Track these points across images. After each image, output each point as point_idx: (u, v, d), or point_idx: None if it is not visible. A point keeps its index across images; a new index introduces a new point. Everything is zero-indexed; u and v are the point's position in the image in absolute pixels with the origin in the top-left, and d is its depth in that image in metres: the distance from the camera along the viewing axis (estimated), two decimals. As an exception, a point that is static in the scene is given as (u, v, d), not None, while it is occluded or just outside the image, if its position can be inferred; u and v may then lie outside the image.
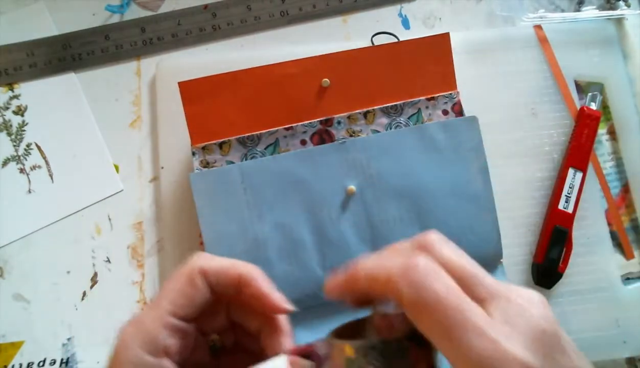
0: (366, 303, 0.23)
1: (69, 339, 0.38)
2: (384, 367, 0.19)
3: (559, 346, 0.18)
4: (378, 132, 0.38)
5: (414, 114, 0.38)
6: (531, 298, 0.19)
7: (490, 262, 0.38)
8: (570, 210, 0.40)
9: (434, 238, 0.22)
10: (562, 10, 0.47)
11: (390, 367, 0.19)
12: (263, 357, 0.23)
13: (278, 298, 0.24)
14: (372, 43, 0.43)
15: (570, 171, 0.40)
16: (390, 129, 0.38)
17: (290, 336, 0.25)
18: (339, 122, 0.37)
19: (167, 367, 0.23)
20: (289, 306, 0.24)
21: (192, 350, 0.24)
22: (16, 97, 0.43)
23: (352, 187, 0.36)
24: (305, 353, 0.24)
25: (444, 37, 0.38)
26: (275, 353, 0.24)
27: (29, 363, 0.38)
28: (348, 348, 0.20)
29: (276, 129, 0.37)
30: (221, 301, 0.25)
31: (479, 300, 0.19)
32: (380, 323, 0.20)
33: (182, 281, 0.23)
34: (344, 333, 0.23)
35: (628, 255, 0.42)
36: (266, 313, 0.25)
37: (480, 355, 0.17)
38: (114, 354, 0.23)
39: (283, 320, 0.25)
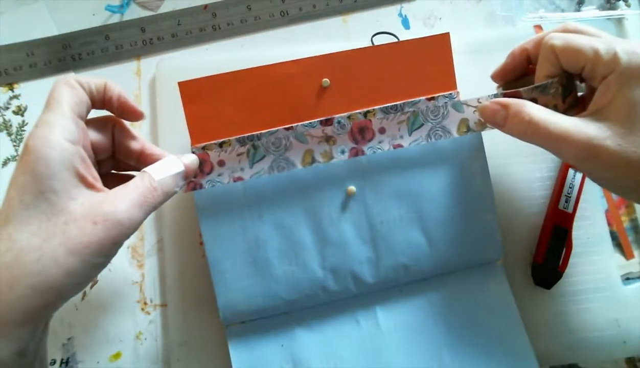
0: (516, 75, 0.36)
1: (69, 339, 0.38)
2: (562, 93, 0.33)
3: None
4: (378, 132, 0.38)
5: (428, 107, 0.38)
6: None
7: (490, 261, 0.38)
8: (570, 210, 0.40)
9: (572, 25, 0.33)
10: (562, 10, 0.47)
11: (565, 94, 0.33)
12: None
13: (134, 103, 0.31)
14: (372, 43, 0.43)
15: (570, 171, 0.40)
16: (390, 129, 0.38)
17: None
18: (339, 122, 0.37)
19: (82, 153, 0.26)
20: (142, 110, 0.32)
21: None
22: (16, 97, 0.43)
23: (352, 188, 0.36)
24: (202, 158, 0.33)
25: (444, 37, 0.38)
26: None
27: (29, 363, 0.38)
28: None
29: (276, 129, 0.37)
30: (107, 123, 0.31)
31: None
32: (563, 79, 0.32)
33: (65, 87, 0.27)
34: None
35: (628, 255, 0.42)
36: (127, 116, 0.31)
37: None
38: (30, 150, 0.25)
39: (158, 149, 0.32)
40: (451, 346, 0.36)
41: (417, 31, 0.45)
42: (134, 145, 0.32)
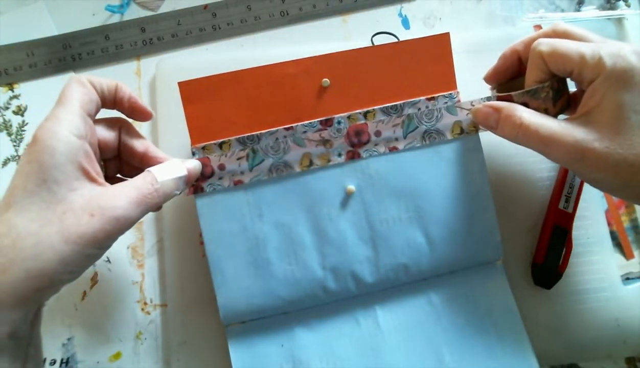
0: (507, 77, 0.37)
1: (69, 339, 0.38)
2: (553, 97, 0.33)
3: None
4: (378, 132, 0.38)
5: (422, 110, 0.38)
6: None
7: (490, 261, 0.38)
8: (570, 210, 0.40)
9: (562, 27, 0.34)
10: (562, 10, 0.47)
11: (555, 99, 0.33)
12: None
13: (144, 104, 0.33)
14: (372, 43, 0.44)
15: (570, 171, 0.40)
16: (390, 128, 0.38)
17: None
18: (339, 122, 0.37)
19: (87, 148, 0.27)
20: (151, 110, 0.33)
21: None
22: (16, 97, 0.43)
23: (352, 187, 0.36)
24: (203, 162, 0.35)
25: (444, 37, 0.38)
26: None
27: (29, 363, 0.38)
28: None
29: (276, 129, 0.37)
30: (115, 123, 0.32)
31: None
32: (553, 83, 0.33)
33: (76, 86, 0.29)
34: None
35: (628, 255, 0.42)
36: (137, 116, 0.33)
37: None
38: (37, 141, 0.26)
39: (161, 152, 0.33)
40: (451, 346, 0.36)
41: (417, 31, 0.45)
42: (139, 146, 0.33)
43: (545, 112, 0.33)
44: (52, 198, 0.25)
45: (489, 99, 0.36)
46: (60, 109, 0.27)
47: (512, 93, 0.34)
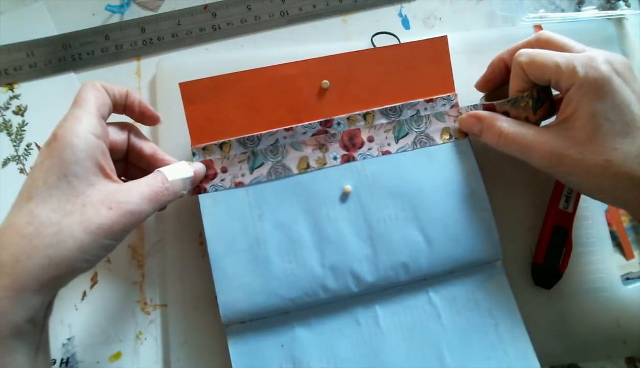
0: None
1: (69, 339, 0.38)
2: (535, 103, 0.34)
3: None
4: (378, 132, 0.38)
5: (412, 116, 0.38)
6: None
7: (489, 261, 0.38)
8: (570, 210, 0.40)
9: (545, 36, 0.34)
10: (562, 10, 0.47)
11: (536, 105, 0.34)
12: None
13: (153, 109, 0.35)
14: (372, 43, 0.43)
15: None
16: (390, 129, 0.38)
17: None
18: (338, 123, 0.37)
19: (104, 147, 0.29)
20: (159, 115, 0.35)
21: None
22: (16, 97, 0.43)
23: (348, 187, 0.36)
24: (207, 165, 0.36)
25: (442, 40, 0.38)
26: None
27: (29, 363, 0.38)
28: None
29: (276, 129, 0.37)
30: (124, 127, 0.34)
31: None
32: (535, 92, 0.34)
33: (91, 89, 0.30)
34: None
35: (628, 255, 0.42)
36: (146, 120, 0.35)
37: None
38: (58, 138, 0.27)
39: (168, 156, 0.35)
40: (451, 346, 0.36)
41: (417, 31, 0.45)
42: (147, 149, 0.34)
43: (526, 120, 0.34)
44: (72, 192, 0.27)
45: (475, 106, 0.37)
46: (78, 110, 0.29)
47: (495, 102, 0.35)
